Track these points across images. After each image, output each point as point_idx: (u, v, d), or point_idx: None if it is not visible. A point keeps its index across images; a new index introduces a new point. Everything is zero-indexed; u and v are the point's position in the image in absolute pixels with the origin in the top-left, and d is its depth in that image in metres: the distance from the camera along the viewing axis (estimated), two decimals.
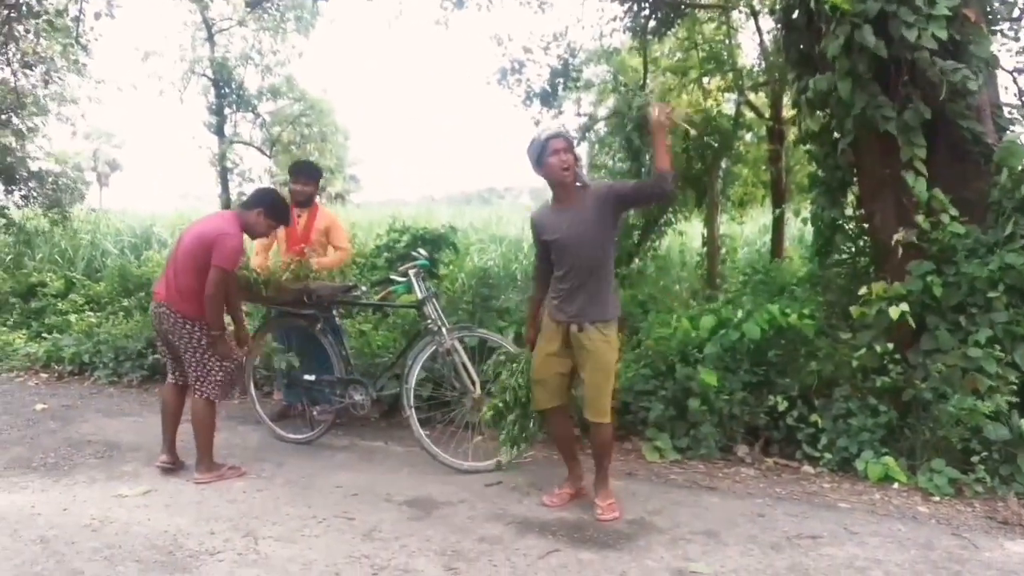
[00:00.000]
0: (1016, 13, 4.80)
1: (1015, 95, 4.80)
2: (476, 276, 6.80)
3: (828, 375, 4.31)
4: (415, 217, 12.00)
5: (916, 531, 3.34)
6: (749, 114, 8.59)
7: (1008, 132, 4.33)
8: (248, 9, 8.84)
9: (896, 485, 3.87)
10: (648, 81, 8.19)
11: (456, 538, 3.26)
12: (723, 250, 8.79)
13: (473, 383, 4.20)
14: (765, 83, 8.28)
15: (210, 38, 8.95)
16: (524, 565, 3.01)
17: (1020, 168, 3.98)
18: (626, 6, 7.62)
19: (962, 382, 3.85)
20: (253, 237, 4.26)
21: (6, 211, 9.84)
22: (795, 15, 4.46)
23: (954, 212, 3.98)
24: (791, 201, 8.53)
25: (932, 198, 4.01)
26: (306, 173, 5.19)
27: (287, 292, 4.49)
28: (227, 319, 4.03)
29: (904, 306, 3.93)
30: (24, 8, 7.40)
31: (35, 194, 9.80)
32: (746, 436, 4.44)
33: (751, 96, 8.67)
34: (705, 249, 8.47)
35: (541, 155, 3.43)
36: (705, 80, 8.65)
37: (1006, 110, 4.53)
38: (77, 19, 8.03)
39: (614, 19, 8.07)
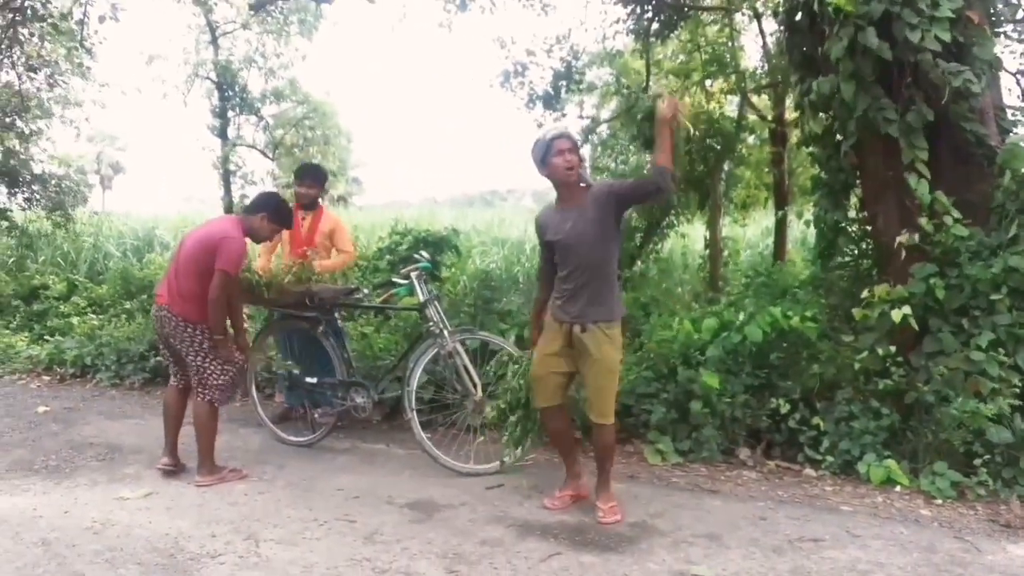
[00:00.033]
0: (1020, 15, 4.79)
1: (1018, 97, 4.80)
2: (478, 278, 6.80)
3: (830, 378, 4.30)
4: (417, 219, 11.96)
5: (918, 534, 3.33)
6: (752, 116, 8.60)
7: (1011, 134, 4.32)
8: (252, 12, 8.85)
9: (898, 488, 3.86)
10: (651, 83, 8.18)
11: (457, 541, 3.26)
12: (725, 252, 8.80)
13: (475, 386, 4.20)
14: (768, 85, 8.28)
15: (214, 41, 8.98)
16: (525, 568, 3.00)
17: (1023, 170, 3.97)
18: (629, 8, 7.61)
19: (965, 385, 3.84)
20: (257, 241, 4.27)
21: (9, 214, 9.85)
22: (798, 17, 4.45)
23: (957, 214, 3.97)
24: (793, 203, 8.53)
25: (935, 200, 3.99)
26: (311, 176, 5.22)
27: (289, 294, 4.49)
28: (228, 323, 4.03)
29: (907, 309, 3.92)
30: (29, 12, 7.42)
31: (38, 197, 9.80)
32: (748, 439, 4.43)
33: (754, 98, 8.67)
34: (707, 251, 8.47)
35: (546, 155, 3.43)
36: (708, 82, 8.63)
37: (1009, 112, 4.51)
38: (81, 22, 8.04)
39: (617, 21, 8.08)
